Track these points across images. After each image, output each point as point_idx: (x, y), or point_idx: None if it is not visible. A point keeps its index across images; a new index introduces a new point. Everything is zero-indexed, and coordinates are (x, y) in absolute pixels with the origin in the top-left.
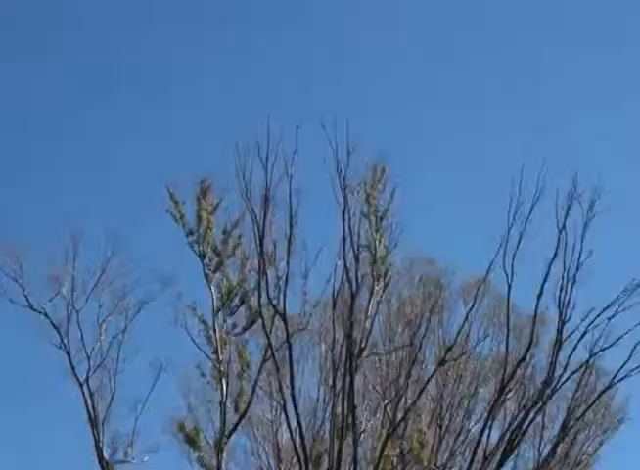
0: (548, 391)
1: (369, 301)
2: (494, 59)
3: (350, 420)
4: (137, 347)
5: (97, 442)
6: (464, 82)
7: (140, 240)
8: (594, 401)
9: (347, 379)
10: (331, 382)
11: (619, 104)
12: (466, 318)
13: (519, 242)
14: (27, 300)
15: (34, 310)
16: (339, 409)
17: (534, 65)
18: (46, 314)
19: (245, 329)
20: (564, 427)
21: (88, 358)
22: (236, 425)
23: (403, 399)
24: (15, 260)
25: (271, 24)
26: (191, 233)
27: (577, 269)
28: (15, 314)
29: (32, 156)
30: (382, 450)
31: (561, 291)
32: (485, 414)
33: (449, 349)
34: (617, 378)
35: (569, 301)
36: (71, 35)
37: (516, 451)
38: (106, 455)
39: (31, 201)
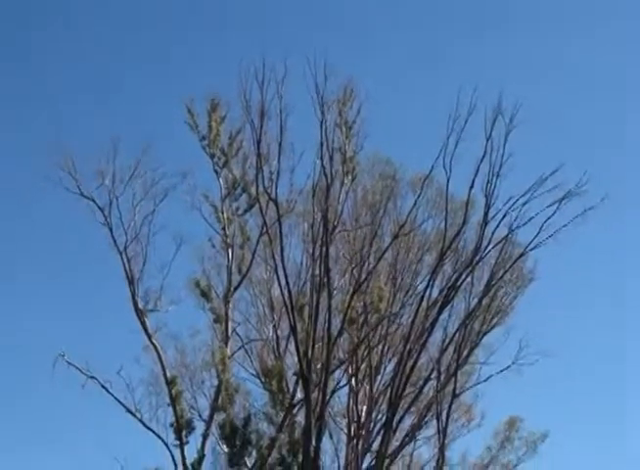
0: (476, 258)
1: (340, 190)
2: None
3: (325, 280)
4: (163, 224)
5: (133, 296)
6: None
7: (165, 143)
8: (511, 266)
9: (323, 249)
10: (311, 251)
11: (538, 34)
12: (414, 204)
13: (455, 146)
14: (79, 188)
15: (84, 197)
16: (317, 271)
17: None
18: (93, 200)
19: (245, 211)
20: (487, 285)
21: (126, 233)
22: (239, 283)
23: (366, 264)
24: (69, 157)
25: None
26: (204, 139)
27: (500, 167)
28: (68, 201)
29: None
30: (349, 302)
31: (487, 183)
32: (429, 276)
33: (401, 226)
34: (528, 248)
35: (493, 191)
36: None
37: (451, 304)
38: (140, 306)
39: (84, 111)
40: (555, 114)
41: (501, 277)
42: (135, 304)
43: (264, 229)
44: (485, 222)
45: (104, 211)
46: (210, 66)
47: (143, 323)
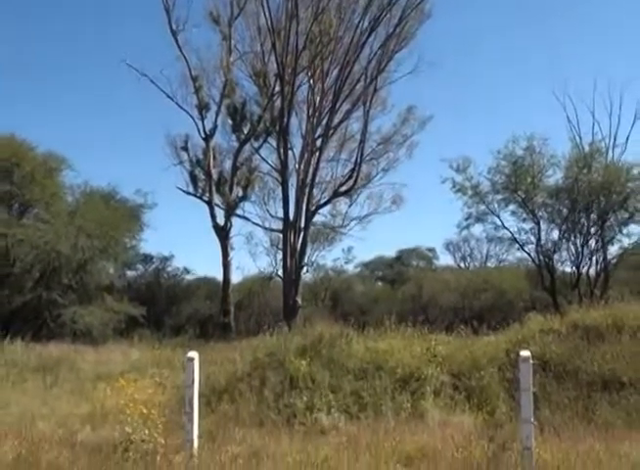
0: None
1: None
2: None
3: (295, 12)
4: None
5: (169, 21)
6: None
7: None
8: (416, 6)
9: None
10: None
11: None
12: None
13: None
14: None
15: None
16: (289, 6)
17: None
18: None
19: None
20: (400, 19)
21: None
22: (238, 14)
23: (322, 3)
24: None
25: None
26: None
27: None
28: None
29: None
30: (310, 28)
31: None
32: (362, 12)
33: None
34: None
35: None
36: None
37: (375, 31)
38: (173, 27)
39: None
40: None
41: (409, 14)
42: (170, 26)
43: None
44: None
45: None
46: None
47: (176, 40)
